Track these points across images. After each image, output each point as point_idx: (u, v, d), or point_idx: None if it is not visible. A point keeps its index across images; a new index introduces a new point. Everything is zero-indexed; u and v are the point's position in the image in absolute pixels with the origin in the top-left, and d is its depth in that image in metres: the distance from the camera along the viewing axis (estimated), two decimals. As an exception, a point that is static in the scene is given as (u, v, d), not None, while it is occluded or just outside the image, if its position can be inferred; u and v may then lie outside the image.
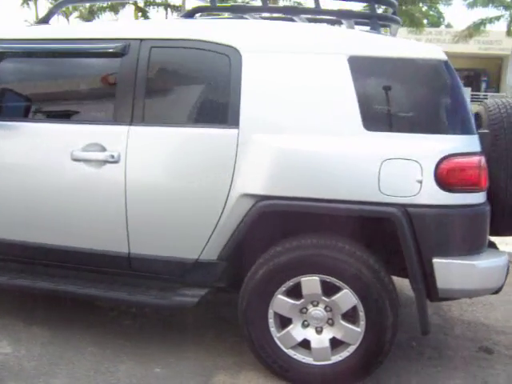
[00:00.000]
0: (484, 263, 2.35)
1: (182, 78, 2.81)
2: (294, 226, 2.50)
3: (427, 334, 2.46)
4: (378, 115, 2.41)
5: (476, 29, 22.68)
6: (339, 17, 2.95)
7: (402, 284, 3.07)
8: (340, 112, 2.42)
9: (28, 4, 28.49)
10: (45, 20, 3.10)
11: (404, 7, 22.59)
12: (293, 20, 2.95)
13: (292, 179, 2.42)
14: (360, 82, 2.40)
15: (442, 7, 31.10)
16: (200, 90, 2.74)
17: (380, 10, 12.28)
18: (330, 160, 2.39)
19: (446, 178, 2.29)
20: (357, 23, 3.00)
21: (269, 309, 2.48)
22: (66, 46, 2.81)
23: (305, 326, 2.50)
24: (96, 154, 2.63)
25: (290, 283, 2.44)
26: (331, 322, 2.47)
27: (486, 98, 19.74)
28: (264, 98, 2.49)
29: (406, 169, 2.30)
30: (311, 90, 2.47)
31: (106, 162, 2.62)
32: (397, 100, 2.46)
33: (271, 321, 2.49)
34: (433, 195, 2.30)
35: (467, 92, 17.17)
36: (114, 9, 26.90)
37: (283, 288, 2.45)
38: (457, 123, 2.41)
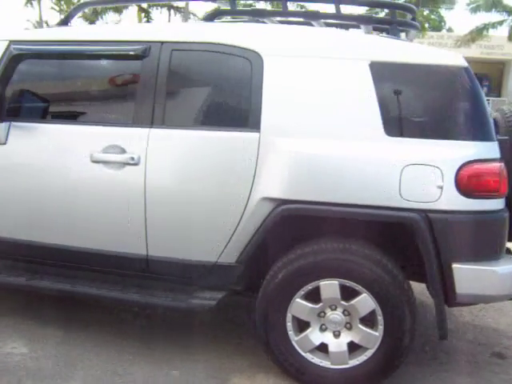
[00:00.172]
0: (504, 269, 2.36)
1: (202, 81, 2.82)
2: (313, 230, 2.51)
3: (445, 338, 2.47)
4: (399, 121, 2.42)
5: (479, 33, 22.71)
6: (360, 22, 2.96)
7: (415, 288, 3.07)
8: (361, 117, 2.43)
9: (32, 4, 28.44)
10: (65, 22, 3.11)
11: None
12: (311, 24, 2.96)
13: (312, 184, 2.42)
14: (381, 87, 2.41)
15: (443, 11, 31.12)
16: (221, 93, 2.75)
17: (382, 14, 12.27)
18: (351, 165, 2.40)
19: (466, 184, 2.30)
20: (374, 29, 3.02)
21: (287, 312, 2.48)
22: (86, 47, 2.82)
23: (323, 329, 2.51)
24: (116, 156, 2.63)
25: (309, 287, 2.45)
26: (349, 326, 2.48)
27: (488, 103, 19.71)
28: (285, 102, 2.50)
29: (426, 174, 2.31)
30: (332, 95, 2.47)
31: (125, 164, 2.62)
32: (417, 106, 2.47)
33: (289, 324, 2.50)
34: (453, 201, 2.31)
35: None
36: (118, 10, 26.83)
37: (302, 292, 2.46)
38: (477, 129, 2.41)
